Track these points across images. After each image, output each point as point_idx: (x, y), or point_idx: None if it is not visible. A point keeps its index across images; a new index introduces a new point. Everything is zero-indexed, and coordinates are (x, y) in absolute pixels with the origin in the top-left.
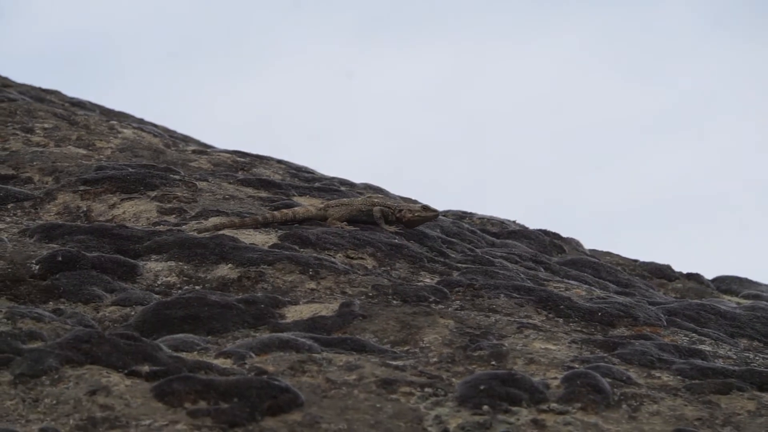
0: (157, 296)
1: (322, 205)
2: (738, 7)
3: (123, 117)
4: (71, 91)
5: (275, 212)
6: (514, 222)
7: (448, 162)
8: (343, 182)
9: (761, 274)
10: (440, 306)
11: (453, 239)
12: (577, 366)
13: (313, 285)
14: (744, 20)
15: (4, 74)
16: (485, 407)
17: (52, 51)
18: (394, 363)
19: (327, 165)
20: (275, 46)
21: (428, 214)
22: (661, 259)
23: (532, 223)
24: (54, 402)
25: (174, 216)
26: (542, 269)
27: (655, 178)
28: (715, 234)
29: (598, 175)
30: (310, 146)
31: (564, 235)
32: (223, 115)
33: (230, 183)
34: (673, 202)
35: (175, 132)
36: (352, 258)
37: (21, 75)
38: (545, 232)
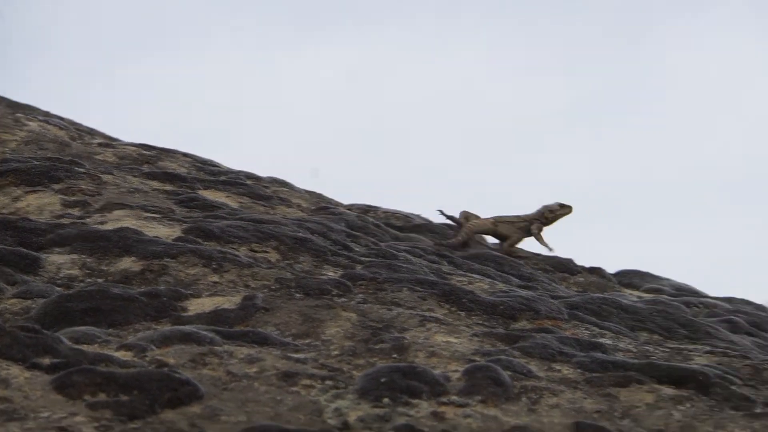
0: (59, 289)
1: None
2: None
3: (29, 110)
4: None
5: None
6: (418, 216)
7: (354, 157)
8: (249, 176)
9: (662, 268)
10: (343, 299)
11: (357, 233)
12: (478, 359)
13: (216, 278)
14: (641, 24)
15: None
16: (386, 400)
17: None
18: (296, 356)
19: (233, 159)
20: (183, 41)
21: (565, 211)
22: (563, 254)
23: (437, 217)
24: None
25: (78, 209)
26: (446, 263)
27: (558, 174)
28: (618, 229)
29: (503, 170)
30: (216, 140)
31: None
32: (128, 108)
33: (135, 176)
34: (576, 198)
35: (81, 125)
36: (255, 251)
37: None
38: (449, 226)
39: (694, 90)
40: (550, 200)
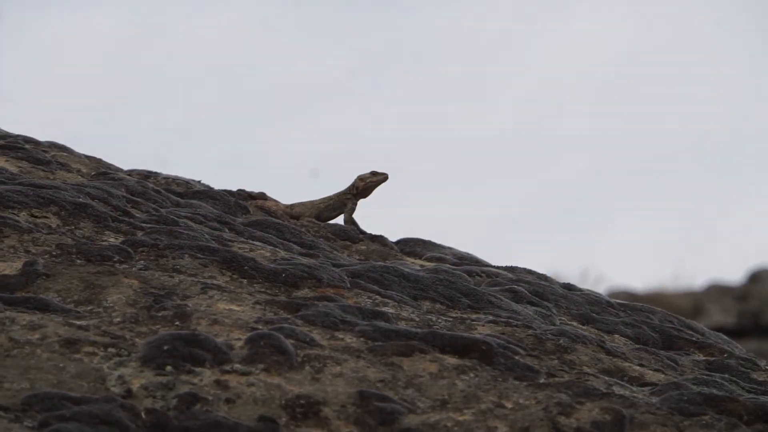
0: None
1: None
2: None
3: None
4: None
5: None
6: (199, 182)
7: (132, 121)
8: (28, 140)
9: (444, 236)
10: (124, 266)
11: (138, 198)
12: (260, 327)
13: None
14: None
15: None
16: (168, 368)
17: None
18: (78, 323)
19: (8, 122)
20: None
21: (379, 178)
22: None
23: (218, 184)
24: None
25: None
26: (227, 230)
27: (335, 134)
28: (400, 195)
29: (279, 132)
30: None
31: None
32: None
33: None
34: (351, 158)
35: None
36: (36, 217)
37: None
38: (230, 192)
39: (463, 49)
40: (360, 171)
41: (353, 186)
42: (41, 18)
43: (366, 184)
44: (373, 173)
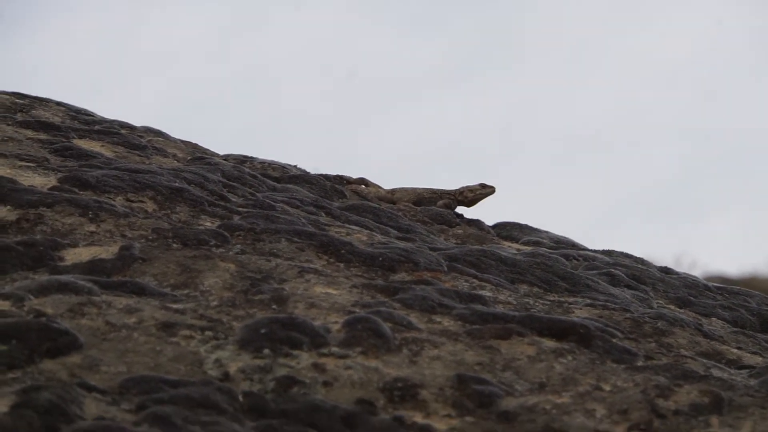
0: None
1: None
2: None
3: None
4: None
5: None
6: (295, 167)
7: (229, 108)
8: (123, 125)
9: (540, 221)
10: (221, 250)
11: (234, 183)
12: (358, 310)
13: (93, 228)
14: None
15: None
16: (266, 351)
17: None
18: (174, 306)
19: (107, 109)
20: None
21: (487, 191)
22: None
23: (314, 169)
24: None
25: None
26: (323, 214)
27: (431, 129)
28: (498, 181)
29: (376, 125)
30: (89, 91)
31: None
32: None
33: (9, 125)
34: (450, 151)
35: None
36: (132, 201)
37: None
38: (326, 177)
39: (558, 44)
40: (471, 181)
41: (460, 192)
42: (144, 12)
43: (474, 195)
44: (482, 185)
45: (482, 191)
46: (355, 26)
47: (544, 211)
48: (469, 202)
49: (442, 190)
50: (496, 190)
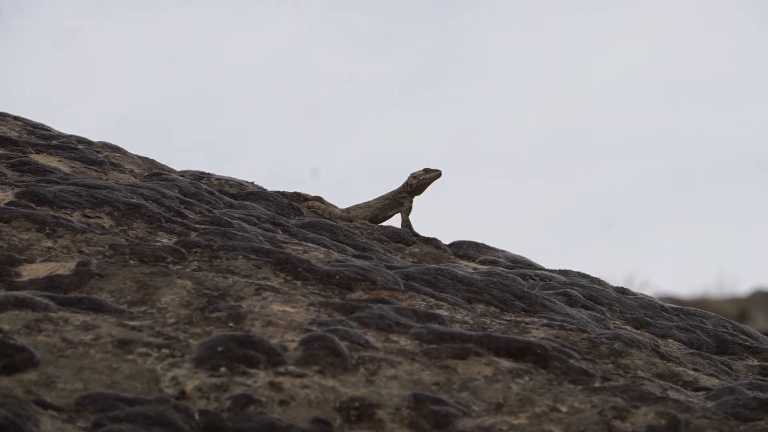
0: None
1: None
2: None
3: None
4: None
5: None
6: (252, 183)
7: (185, 124)
8: (81, 140)
9: (492, 240)
10: (178, 267)
11: (191, 199)
12: (315, 329)
13: (50, 243)
14: None
15: None
16: (223, 369)
17: None
18: (131, 323)
19: (64, 123)
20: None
21: (431, 175)
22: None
23: (271, 185)
24: None
25: None
26: (280, 231)
27: (385, 144)
28: (452, 200)
29: (329, 141)
30: (43, 106)
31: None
32: None
33: None
34: (404, 166)
35: None
36: (89, 217)
37: None
38: (283, 194)
39: (508, 62)
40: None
41: (407, 184)
42: (95, 24)
43: (419, 182)
44: (426, 170)
45: (426, 176)
46: (309, 42)
47: (498, 228)
48: (417, 189)
49: (391, 191)
50: (441, 173)
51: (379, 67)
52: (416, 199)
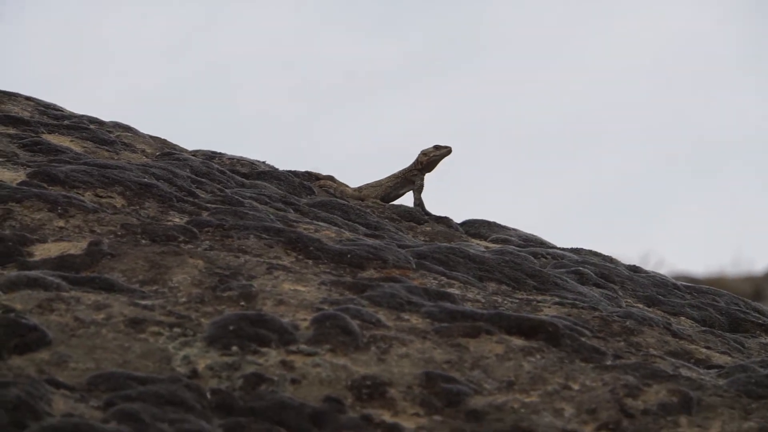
0: None
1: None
2: None
3: None
4: None
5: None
6: (263, 163)
7: (196, 104)
8: (92, 120)
9: (507, 218)
10: (189, 246)
11: (203, 179)
12: (326, 308)
13: (61, 223)
14: None
15: None
16: (234, 348)
17: None
18: (143, 302)
19: (75, 104)
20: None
21: (442, 152)
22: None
23: (282, 165)
24: None
25: None
26: (292, 210)
27: (394, 127)
28: (464, 180)
29: (340, 123)
30: (58, 85)
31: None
32: None
33: None
34: (413, 149)
35: None
36: (101, 197)
37: None
38: (295, 173)
39: (522, 43)
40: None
41: (417, 161)
42: (108, 8)
43: (430, 158)
44: (436, 147)
45: (437, 153)
46: (314, 27)
47: (510, 208)
48: (428, 166)
49: (401, 170)
50: (452, 149)
51: (388, 49)
52: (427, 177)
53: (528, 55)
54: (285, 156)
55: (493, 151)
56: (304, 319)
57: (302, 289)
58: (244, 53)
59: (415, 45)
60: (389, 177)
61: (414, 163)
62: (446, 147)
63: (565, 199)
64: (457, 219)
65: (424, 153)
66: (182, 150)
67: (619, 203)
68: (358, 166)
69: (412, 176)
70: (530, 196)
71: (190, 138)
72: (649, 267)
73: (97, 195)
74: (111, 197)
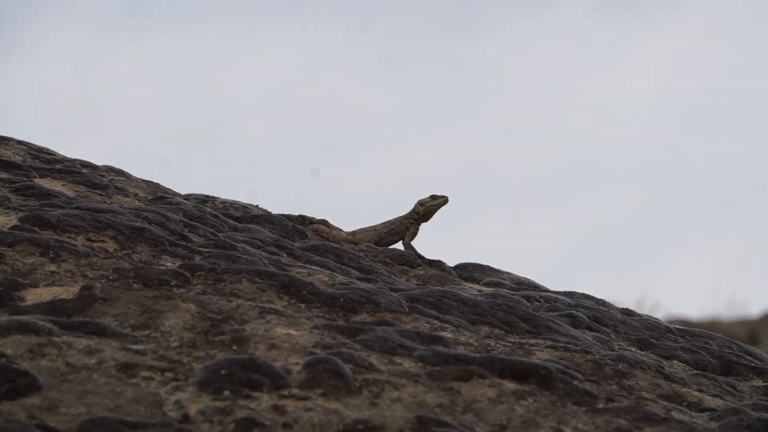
0: None
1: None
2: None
3: None
4: None
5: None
6: (257, 206)
7: (190, 149)
8: (85, 164)
9: (502, 262)
10: (182, 290)
11: (195, 223)
12: (318, 352)
13: (53, 267)
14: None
15: None
16: (226, 392)
17: None
18: (135, 347)
19: (68, 148)
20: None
21: (438, 201)
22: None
23: (276, 209)
24: None
25: None
26: (285, 254)
27: (393, 170)
28: (458, 223)
29: (338, 166)
30: (49, 130)
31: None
32: None
33: None
34: (412, 190)
35: None
36: (93, 241)
37: None
38: (288, 217)
39: (518, 89)
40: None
41: (414, 211)
42: (106, 49)
43: (426, 209)
44: (433, 197)
45: (434, 202)
46: (317, 69)
47: (505, 252)
48: (424, 216)
49: (398, 217)
50: (448, 199)
51: (388, 94)
52: (423, 225)
53: (528, 100)
54: (281, 199)
55: (490, 194)
56: (297, 363)
57: (295, 333)
58: (244, 97)
59: (415, 89)
60: (384, 223)
61: (410, 212)
62: (443, 197)
63: (562, 242)
64: (451, 262)
65: (420, 203)
66: (175, 194)
67: (615, 246)
68: (354, 211)
69: (408, 224)
70: (526, 239)
71: (184, 182)
72: (644, 310)
73: (89, 239)
74: (103, 241)
